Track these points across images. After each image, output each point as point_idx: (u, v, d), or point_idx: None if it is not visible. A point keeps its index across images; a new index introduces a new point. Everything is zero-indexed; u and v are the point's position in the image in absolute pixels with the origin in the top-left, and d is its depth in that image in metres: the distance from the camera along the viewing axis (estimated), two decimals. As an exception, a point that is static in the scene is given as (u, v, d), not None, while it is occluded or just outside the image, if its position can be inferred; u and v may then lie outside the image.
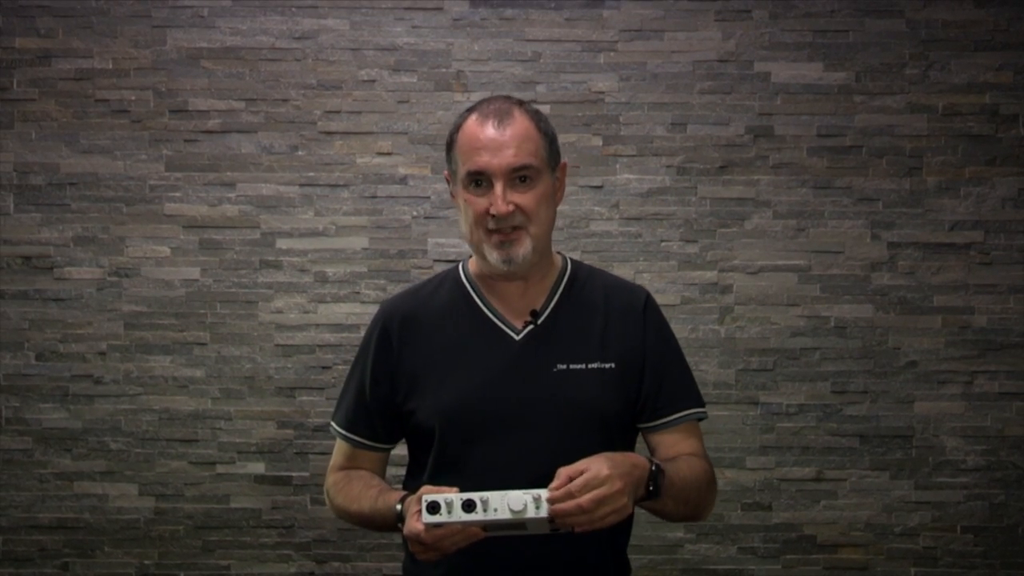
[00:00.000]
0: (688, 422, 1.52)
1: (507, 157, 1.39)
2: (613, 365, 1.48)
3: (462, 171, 1.43)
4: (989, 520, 3.16)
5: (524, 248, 1.42)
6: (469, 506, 1.25)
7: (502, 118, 1.41)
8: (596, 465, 1.25)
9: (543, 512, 1.24)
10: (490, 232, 1.42)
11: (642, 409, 1.51)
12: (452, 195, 1.49)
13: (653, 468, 1.34)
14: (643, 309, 1.53)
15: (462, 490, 1.27)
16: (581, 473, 1.25)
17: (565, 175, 1.51)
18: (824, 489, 3.17)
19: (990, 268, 3.17)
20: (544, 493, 1.24)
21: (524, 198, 1.40)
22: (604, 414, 1.47)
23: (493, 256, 1.43)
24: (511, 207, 1.39)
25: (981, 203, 3.18)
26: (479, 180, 1.41)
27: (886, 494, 3.16)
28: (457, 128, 1.45)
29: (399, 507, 1.39)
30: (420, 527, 1.27)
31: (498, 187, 1.39)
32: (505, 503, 1.24)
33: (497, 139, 1.40)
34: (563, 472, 1.26)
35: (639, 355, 1.50)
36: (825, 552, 3.16)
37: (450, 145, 1.46)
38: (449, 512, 1.24)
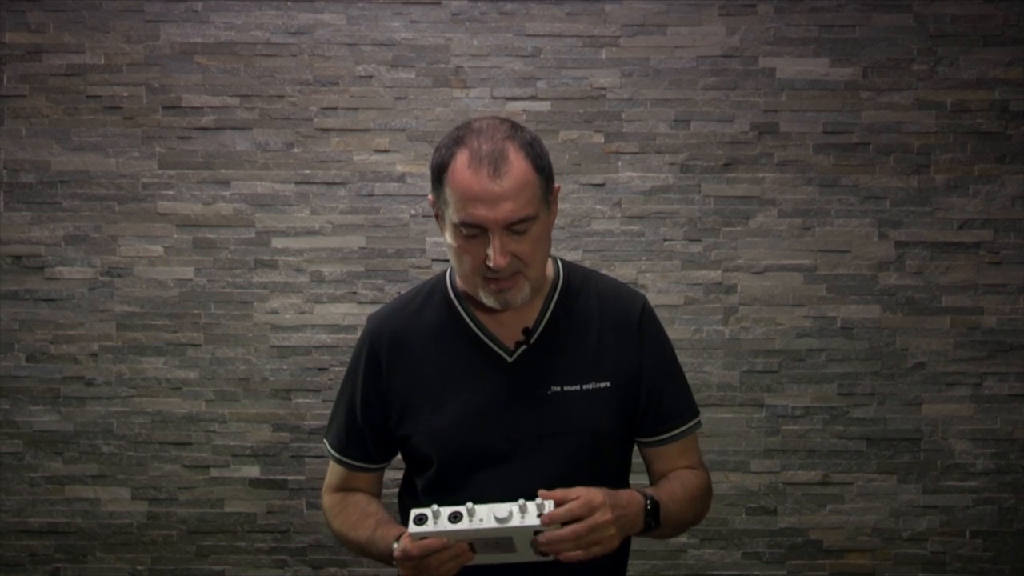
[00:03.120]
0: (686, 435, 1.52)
1: (505, 211, 1.30)
2: (608, 384, 1.44)
3: (454, 217, 1.33)
4: (998, 525, 3.11)
5: (522, 292, 1.38)
6: (455, 517, 1.26)
7: (497, 164, 1.30)
8: (590, 492, 1.26)
9: (529, 520, 1.24)
10: (487, 280, 1.36)
11: (639, 425, 1.49)
12: (436, 217, 1.41)
13: (648, 505, 1.34)
14: (639, 321, 1.49)
15: None
16: (568, 498, 1.25)
17: (558, 196, 1.43)
18: (830, 493, 3.11)
19: (999, 268, 3.12)
20: (531, 504, 1.25)
21: (521, 247, 1.34)
22: (600, 436, 1.44)
23: (490, 300, 1.38)
24: (508, 259, 1.32)
25: (990, 201, 3.12)
26: (474, 233, 1.33)
27: (893, 498, 3.11)
28: (446, 164, 1.34)
29: (396, 544, 1.37)
30: (408, 543, 1.27)
31: (495, 241, 1.31)
32: (490, 512, 1.25)
33: (493, 190, 1.29)
34: (546, 494, 1.26)
35: (635, 372, 1.46)
36: (831, 557, 3.11)
37: (438, 178, 1.35)
38: (435, 522, 1.26)
